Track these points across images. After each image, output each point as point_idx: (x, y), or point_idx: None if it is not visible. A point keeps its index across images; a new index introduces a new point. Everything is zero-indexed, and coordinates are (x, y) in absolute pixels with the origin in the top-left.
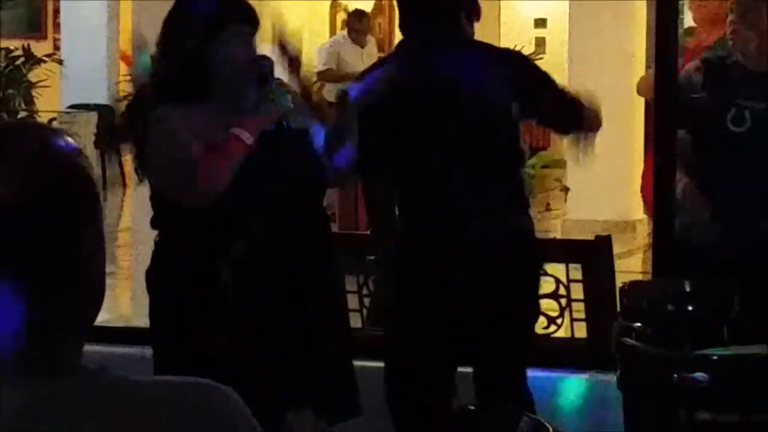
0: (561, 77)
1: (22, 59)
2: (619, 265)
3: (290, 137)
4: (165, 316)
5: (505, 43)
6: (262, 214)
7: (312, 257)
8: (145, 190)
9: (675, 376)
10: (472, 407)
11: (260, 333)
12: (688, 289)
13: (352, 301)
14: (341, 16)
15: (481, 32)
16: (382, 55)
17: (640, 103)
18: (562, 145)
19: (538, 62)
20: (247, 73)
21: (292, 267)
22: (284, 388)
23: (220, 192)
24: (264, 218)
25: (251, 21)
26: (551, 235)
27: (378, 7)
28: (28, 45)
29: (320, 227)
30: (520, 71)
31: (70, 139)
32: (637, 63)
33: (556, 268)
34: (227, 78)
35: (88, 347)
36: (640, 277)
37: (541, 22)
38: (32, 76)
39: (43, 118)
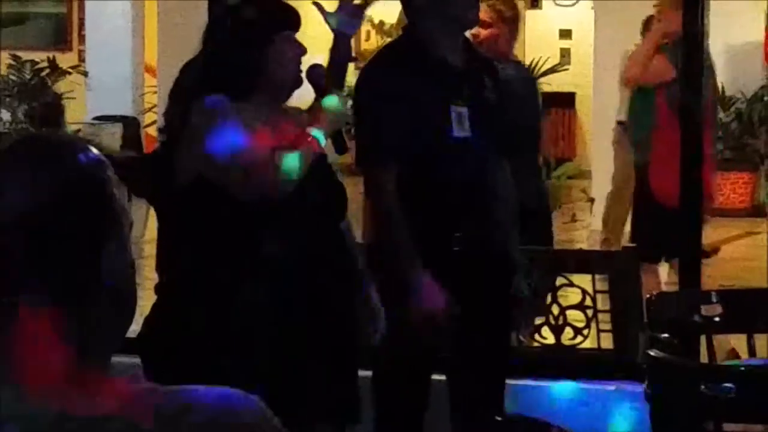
0: (586, 88)
1: (47, 71)
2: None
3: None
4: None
5: (530, 54)
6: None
7: (337, 274)
8: None
9: (702, 387)
10: (499, 419)
11: (287, 348)
12: (714, 300)
13: None
14: (366, 28)
15: None
16: None
17: None
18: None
19: (563, 72)
20: (295, 79)
21: (319, 284)
22: (304, 403)
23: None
24: (295, 231)
25: (298, 27)
26: (577, 246)
27: (402, 18)
28: (54, 57)
29: (343, 242)
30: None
31: (95, 151)
32: None
33: (583, 279)
34: (275, 81)
35: (114, 358)
36: (665, 287)
37: (566, 33)
38: (58, 87)
39: (67, 129)
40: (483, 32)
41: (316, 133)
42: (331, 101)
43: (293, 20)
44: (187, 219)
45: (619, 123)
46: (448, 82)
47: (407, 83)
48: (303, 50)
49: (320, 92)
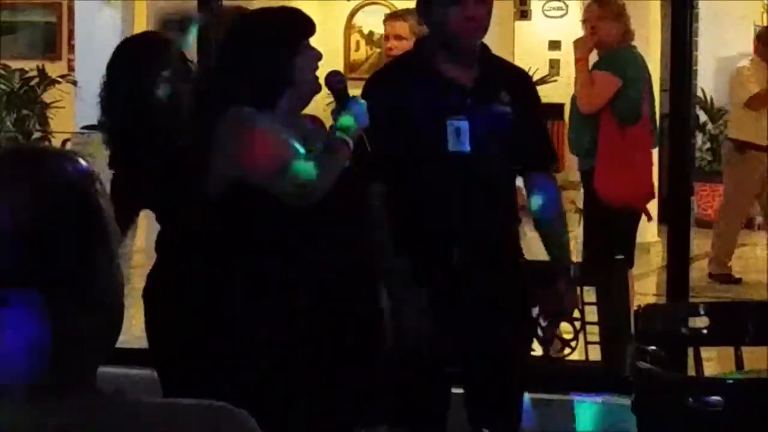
0: None
1: (36, 80)
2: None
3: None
4: (176, 336)
5: (519, 65)
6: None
7: (361, 278)
8: None
9: (690, 399)
10: (486, 431)
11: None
12: (702, 312)
13: None
14: (355, 38)
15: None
16: None
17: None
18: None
19: (552, 84)
20: (315, 87)
21: (342, 286)
22: (330, 405)
23: (326, 192)
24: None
25: (314, 34)
26: None
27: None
28: (43, 66)
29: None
30: (525, 93)
31: (83, 162)
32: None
33: None
34: (300, 89)
35: (102, 369)
36: (654, 299)
37: (555, 45)
38: (47, 97)
39: (57, 139)
40: (398, 44)
41: (344, 136)
42: (359, 108)
43: (311, 28)
44: (217, 224)
45: (730, 140)
46: (447, 95)
47: (402, 96)
48: (320, 56)
49: (340, 98)
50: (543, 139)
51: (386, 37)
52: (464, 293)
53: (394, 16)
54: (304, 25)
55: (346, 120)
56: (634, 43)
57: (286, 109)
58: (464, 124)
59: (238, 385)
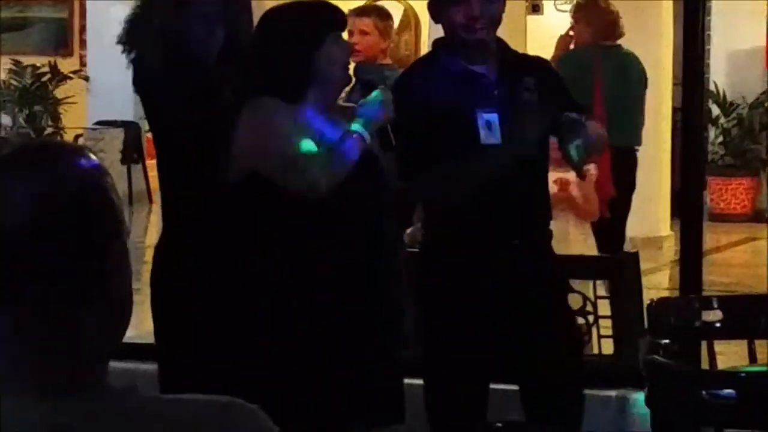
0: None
1: (48, 76)
2: (646, 281)
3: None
4: (183, 327)
5: None
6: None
7: (383, 273)
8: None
9: (703, 393)
10: (500, 424)
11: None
12: (715, 306)
13: None
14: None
15: None
16: None
17: (667, 117)
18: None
19: None
20: (344, 78)
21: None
22: (349, 403)
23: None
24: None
25: (345, 27)
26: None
27: (404, 23)
28: (55, 62)
29: (390, 245)
30: (547, 78)
31: (93, 157)
32: (664, 77)
33: (584, 285)
34: (326, 82)
35: (113, 364)
36: (667, 293)
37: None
38: (59, 92)
39: (69, 134)
40: (362, 40)
41: (359, 128)
42: (370, 97)
43: (340, 20)
44: (235, 213)
45: None
46: (474, 89)
47: (430, 93)
48: (351, 49)
49: (367, 90)
50: (577, 104)
51: (350, 33)
52: (505, 288)
53: (358, 12)
54: (329, 18)
55: (368, 112)
56: (647, 37)
57: (313, 103)
58: (494, 116)
59: (238, 385)
